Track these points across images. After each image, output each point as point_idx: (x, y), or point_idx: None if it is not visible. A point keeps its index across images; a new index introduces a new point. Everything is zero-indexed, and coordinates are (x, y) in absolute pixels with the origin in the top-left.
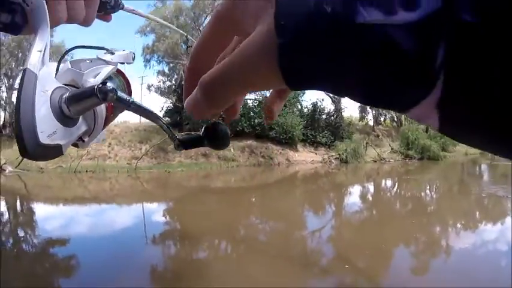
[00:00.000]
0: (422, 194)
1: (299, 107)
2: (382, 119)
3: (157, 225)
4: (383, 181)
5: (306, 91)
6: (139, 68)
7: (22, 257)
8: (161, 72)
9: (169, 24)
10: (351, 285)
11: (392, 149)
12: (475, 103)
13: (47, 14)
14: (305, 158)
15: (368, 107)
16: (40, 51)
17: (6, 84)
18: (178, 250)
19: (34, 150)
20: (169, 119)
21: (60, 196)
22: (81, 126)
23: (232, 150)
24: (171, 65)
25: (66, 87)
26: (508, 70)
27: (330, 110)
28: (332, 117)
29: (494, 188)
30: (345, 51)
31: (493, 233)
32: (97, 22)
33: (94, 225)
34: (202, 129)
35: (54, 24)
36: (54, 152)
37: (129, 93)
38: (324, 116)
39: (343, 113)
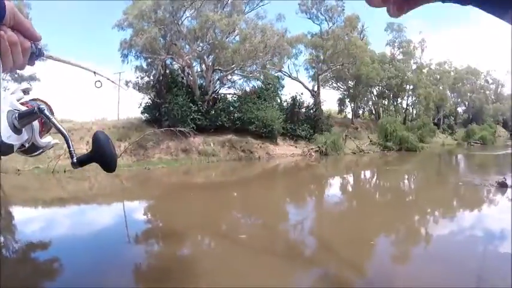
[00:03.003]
0: (401, 184)
1: (278, 100)
2: (360, 112)
3: (139, 223)
4: (362, 172)
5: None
6: (116, 63)
7: (2, 262)
8: (139, 68)
9: (77, 63)
10: (334, 274)
11: (371, 141)
12: None
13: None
14: (285, 152)
15: (347, 101)
16: None
17: None
18: (161, 247)
19: (1, 144)
20: (147, 115)
21: (39, 198)
22: (24, 135)
23: (212, 145)
24: (149, 60)
25: (14, 110)
26: None
27: (309, 103)
28: (311, 111)
29: (470, 177)
30: None
31: (469, 219)
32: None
33: (75, 227)
34: (92, 148)
35: (4, 70)
36: (9, 148)
37: (52, 112)
38: (303, 110)
39: (322, 107)
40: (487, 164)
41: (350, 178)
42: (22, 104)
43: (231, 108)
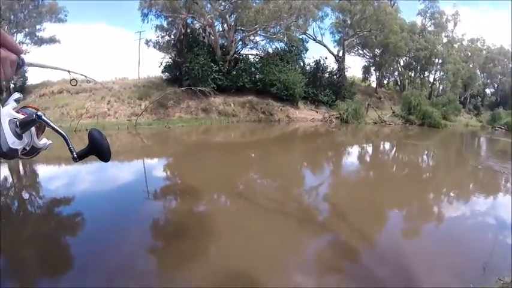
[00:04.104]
0: (419, 159)
1: (301, 64)
2: (385, 82)
3: (158, 180)
4: (381, 143)
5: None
6: (136, 22)
7: (28, 217)
8: (160, 27)
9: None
10: (344, 240)
11: (393, 112)
12: None
13: None
14: (305, 116)
15: (372, 69)
16: None
17: None
18: (178, 204)
19: (7, 150)
20: (168, 75)
21: (62, 156)
22: (25, 139)
23: (232, 105)
24: (170, 19)
25: (14, 118)
26: None
27: (332, 68)
28: (335, 76)
29: (491, 162)
30: None
31: (483, 205)
32: None
33: (96, 183)
34: (88, 143)
35: None
36: (15, 152)
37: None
38: (326, 75)
39: (346, 73)
40: (509, 151)
41: (369, 148)
42: (17, 112)
43: (253, 70)
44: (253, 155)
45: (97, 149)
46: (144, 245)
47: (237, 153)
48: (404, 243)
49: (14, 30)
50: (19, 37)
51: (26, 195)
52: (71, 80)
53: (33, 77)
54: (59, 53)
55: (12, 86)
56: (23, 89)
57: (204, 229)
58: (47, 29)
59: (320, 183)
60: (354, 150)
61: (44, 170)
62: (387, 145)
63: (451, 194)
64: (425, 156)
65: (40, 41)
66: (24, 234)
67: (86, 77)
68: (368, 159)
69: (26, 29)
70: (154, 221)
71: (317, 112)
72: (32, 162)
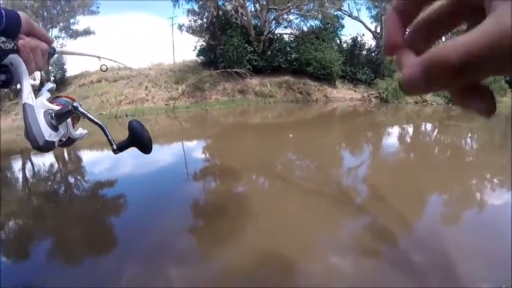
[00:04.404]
0: (463, 142)
1: (338, 41)
2: None
3: (197, 162)
4: (423, 124)
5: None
6: (167, 9)
7: (74, 200)
8: (191, 11)
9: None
10: (382, 224)
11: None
12: None
13: (26, 68)
14: (343, 95)
15: None
16: (29, 93)
17: None
18: (217, 185)
19: (43, 144)
20: (203, 58)
21: (104, 141)
22: (61, 131)
23: (269, 86)
24: (201, 2)
25: (49, 110)
26: None
27: (370, 45)
28: (373, 54)
29: None
30: None
31: None
32: None
33: (138, 166)
34: (128, 135)
35: (30, 73)
36: (52, 145)
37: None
38: (364, 52)
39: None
40: None
41: (409, 129)
42: (51, 102)
43: (288, 49)
44: (291, 135)
45: (138, 141)
46: (184, 225)
47: (275, 134)
48: (444, 230)
49: (49, 26)
50: (54, 32)
51: (71, 180)
52: (101, 66)
53: (72, 68)
54: (95, 43)
55: (52, 78)
56: (62, 80)
57: (242, 209)
58: (81, 22)
59: (359, 164)
60: (394, 131)
61: (87, 155)
62: (429, 126)
63: (495, 180)
64: (468, 139)
65: (75, 34)
66: (70, 216)
67: (115, 61)
68: (408, 140)
69: (61, 24)
70: (194, 201)
71: (355, 91)
72: (76, 148)
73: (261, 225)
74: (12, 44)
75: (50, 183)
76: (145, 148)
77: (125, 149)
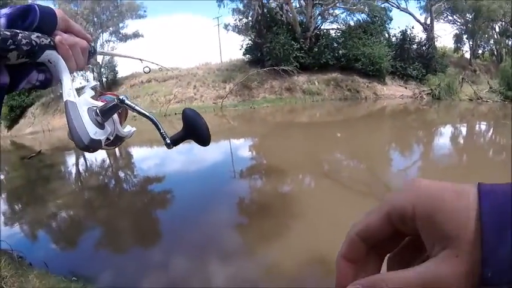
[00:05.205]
0: None
1: (386, 35)
2: (480, 52)
3: (244, 160)
4: (477, 123)
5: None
6: (213, 9)
7: (123, 194)
8: (236, 10)
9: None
10: None
11: (491, 87)
12: None
13: (65, 64)
14: (394, 92)
15: (464, 37)
16: (70, 89)
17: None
18: (263, 183)
19: (89, 143)
20: (250, 56)
21: (153, 139)
22: (107, 128)
23: (316, 83)
24: (246, 1)
25: (93, 107)
26: None
27: (421, 39)
28: (424, 48)
29: None
30: None
31: None
32: None
33: (186, 163)
34: (183, 126)
35: (71, 73)
36: (98, 144)
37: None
38: (414, 46)
39: (436, 43)
40: None
41: (463, 128)
42: (95, 100)
43: (335, 45)
44: (339, 134)
45: (194, 131)
46: (229, 222)
47: (322, 133)
48: None
49: (100, 31)
50: (105, 36)
51: (122, 175)
52: (143, 68)
53: (123, 70)
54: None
55: (104, 80)
56: (114, 81)
57: (288, 209)
58: (130, 25)
59: (409, 165)
60: (447, 130)
61: (137, 152)
62: (483, 125)
63: None
64: None
65: (125, 38)
66: (120, 209)
67: (157, 64)
68: (462, 141)
69: (111, 28)
70: (240, 199)
71: (406, 88)
72: (126, 145)
73: (306, 225)
74: (49, 40)
75: (101, 177)
76: (203, 139)
77: (180, 142)
